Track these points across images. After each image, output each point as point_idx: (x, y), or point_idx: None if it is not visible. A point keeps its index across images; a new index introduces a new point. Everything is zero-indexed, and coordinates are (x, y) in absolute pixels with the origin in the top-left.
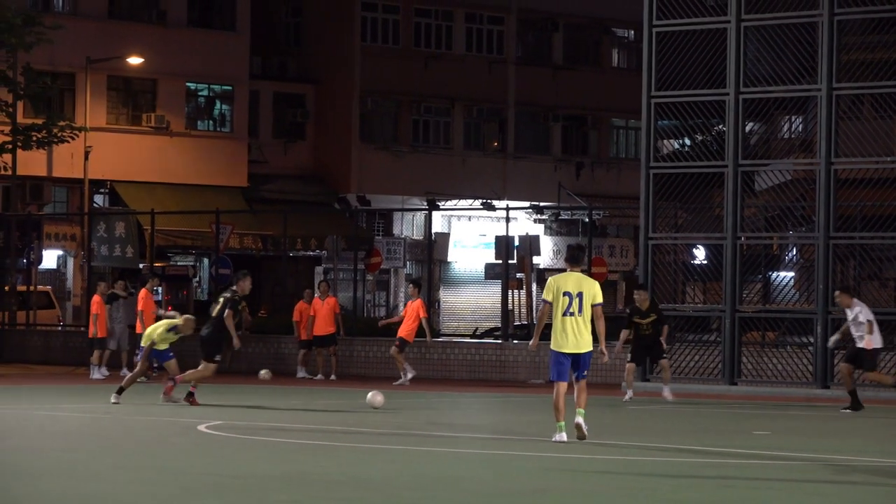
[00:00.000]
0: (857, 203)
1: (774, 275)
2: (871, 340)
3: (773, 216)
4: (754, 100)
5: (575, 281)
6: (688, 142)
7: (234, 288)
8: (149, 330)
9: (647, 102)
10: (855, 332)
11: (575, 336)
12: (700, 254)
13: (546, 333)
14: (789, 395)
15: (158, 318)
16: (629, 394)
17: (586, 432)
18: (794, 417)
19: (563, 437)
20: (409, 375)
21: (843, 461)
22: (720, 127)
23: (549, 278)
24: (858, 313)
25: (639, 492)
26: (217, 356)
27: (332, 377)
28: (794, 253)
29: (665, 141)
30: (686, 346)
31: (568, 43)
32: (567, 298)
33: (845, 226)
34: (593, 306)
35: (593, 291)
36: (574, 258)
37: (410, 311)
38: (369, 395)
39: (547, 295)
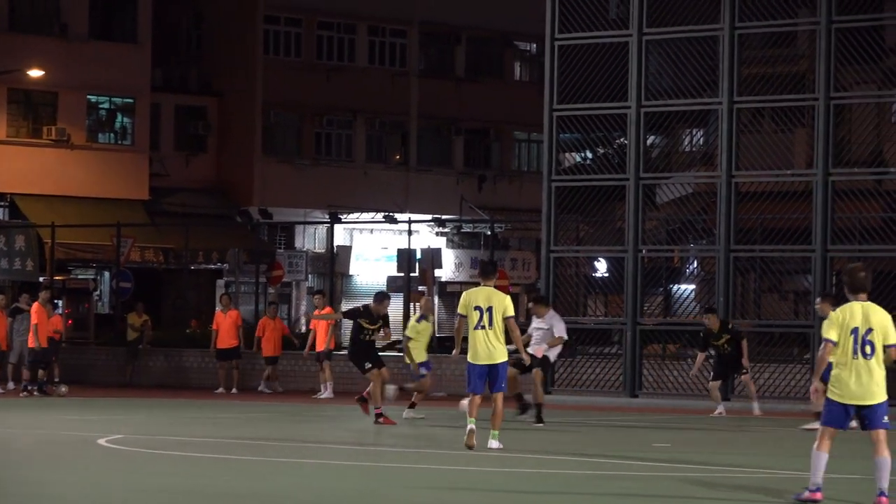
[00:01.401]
0: (758, 216)
1: (675, 287)
2: (541, 349)
3: (675, 229)
4: (656, 113)
5: (486, 295)
6: (589, 155)
7: (369, 305)
8: (410, 329)
9: (548, 115)
10: (536, 337)
11: (487, 348)
12: (602, 266)
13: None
14: (690, 408)
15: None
16: (719, 409)
17: (500, 446)
18: (694, 430)
19: (472, 426)
20: (329, 393)
21: (742, 474)
22: (622, 140)
23: (463, 293)
24: (553, 326)
25: None
26: (366, 365)
27: (234, 391)
28: (695, 265)
29: (567, 154)
30: (587, 358)
31: (470, 56)
32: (478, 312)
33: (746, 238)
34: (505, 319)
35: (503, 305)
36: (485, 272)
37: (321, 322)
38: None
39: (461, 309)
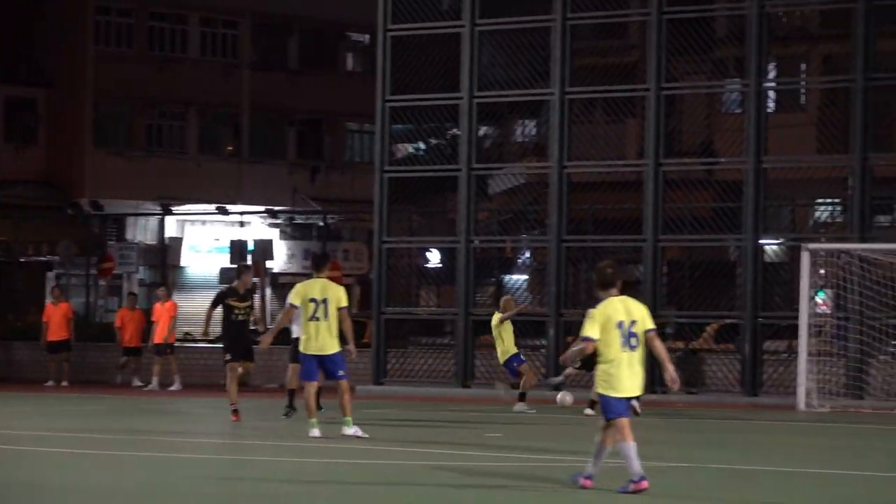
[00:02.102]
0: (589, 206)
1: (508, 278)
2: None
3: (507, 219)
4: (488, 104)
5: (321, 287)
6: (422, 146)
7: (232, 284)
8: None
9: (381, 106)
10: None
11: (318, 339)
12: (434, 257)
13: None
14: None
15: None
16: (567, 398)
17: (363, 434)
18: (526, 419)
19: (317, 432)
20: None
21: (569, 464)
22: (454, 131)
23: (297, 284)
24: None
25: (352, 498)
26: (227, 355)
27: (65, 383)
28: (528, 256)
29: (399, 145)
30: (419, 349)
31: (303, 47)
32: (313, 304)
33: (577, 229)
34: (339, 309)
35: (338, 296)
36: (317, 264)
37: (164, 314)
38: (559, 396)
39: (294, 300)
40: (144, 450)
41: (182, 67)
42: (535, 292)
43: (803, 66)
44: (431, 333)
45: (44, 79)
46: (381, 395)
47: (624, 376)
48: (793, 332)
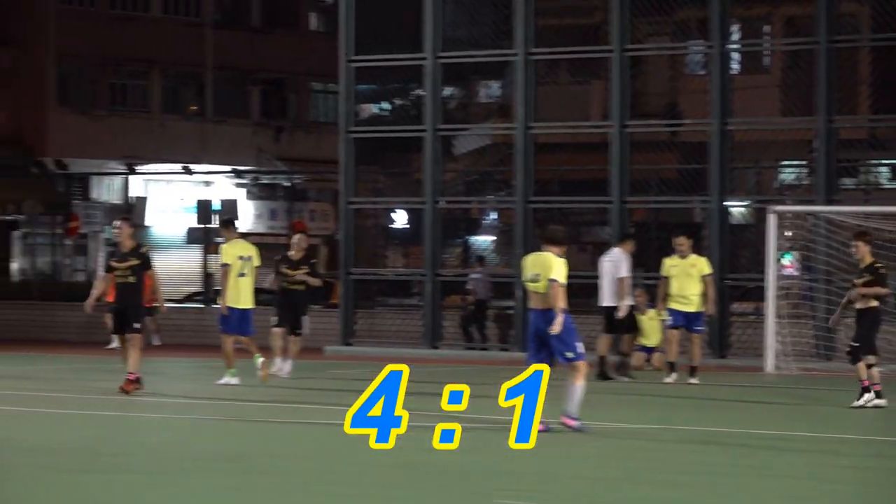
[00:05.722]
0: (555, 168)
1: (474, 238)
2: None
3: (472, 180)
4: (452, 64)
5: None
6: (387, 106)
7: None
8: None
9: (345, 66)
10: None
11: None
12: (400, 218)
13: None
14: (490, 359)
15: None
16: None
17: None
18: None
19: (233, 380)
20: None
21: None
22: (419, 91)
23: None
24: None
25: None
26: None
27: None
28: (494, 217)
29: (364, 105)
30: (387, 310)
31: (266, 6)
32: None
33: (543, 190)
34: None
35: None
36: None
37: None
38: None
39: (225, 258)
40: (120, 410)
41: (144, 25)
42: (501, 254)
43: (766, 28)
44: (399, 294)
45: (6, 36)
46: (349, 355)
47: None
48: (760, 294)
